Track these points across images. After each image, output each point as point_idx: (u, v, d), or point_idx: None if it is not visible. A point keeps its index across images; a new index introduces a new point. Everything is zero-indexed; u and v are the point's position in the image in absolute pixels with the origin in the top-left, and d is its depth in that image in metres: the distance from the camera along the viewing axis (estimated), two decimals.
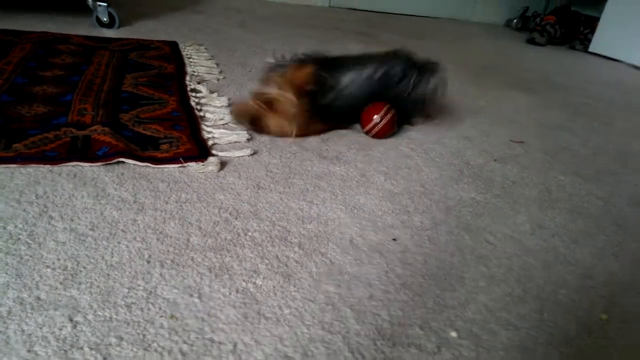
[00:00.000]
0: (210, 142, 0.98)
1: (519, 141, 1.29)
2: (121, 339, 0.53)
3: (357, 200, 0.88)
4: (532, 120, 1.49)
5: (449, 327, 0.61)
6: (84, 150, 0.87)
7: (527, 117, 1.52)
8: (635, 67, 2.60)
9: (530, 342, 0.61)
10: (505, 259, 0.77)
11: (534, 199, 0.98)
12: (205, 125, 1.06)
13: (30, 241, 0.64)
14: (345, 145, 1.11)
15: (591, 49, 2.86)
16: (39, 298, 0.56)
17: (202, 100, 1.19)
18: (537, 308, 0.67)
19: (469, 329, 0.61)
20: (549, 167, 1.16)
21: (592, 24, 2.92)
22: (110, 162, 0.84)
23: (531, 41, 2.94)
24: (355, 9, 3.13)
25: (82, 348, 0.51)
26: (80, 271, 0.61)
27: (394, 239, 0.78)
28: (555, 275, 0.75)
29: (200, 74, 1.38)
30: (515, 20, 3.42)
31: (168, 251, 0.67)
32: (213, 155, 0.93)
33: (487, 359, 0.57)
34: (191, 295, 0.60)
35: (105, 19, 1.72)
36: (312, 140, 1.10)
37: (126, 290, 0.59)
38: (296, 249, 0.72)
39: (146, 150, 0.90)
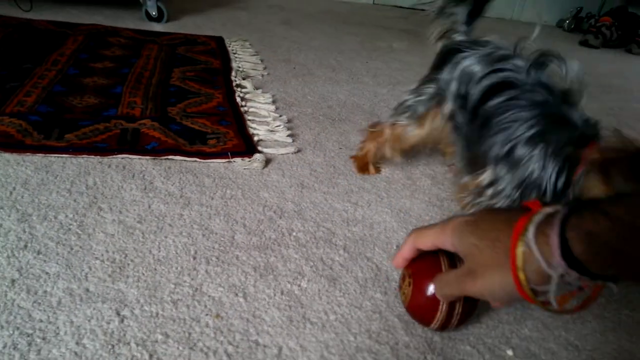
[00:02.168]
0: (255, 139, 0.97)
1: None
2: (167, 336, 0.52)
3: (404, 203, 0.85)
4: None
5: (504, 344, 0.58)
6: (133, 143, 0.87)
7: None
8: None
9: None
10: None
11: None
12: (250, 121, 1.05)
13: (80, 232, 0.65)
14: None
15: None
16: (87, 290, 0.56)
17: (247, 96, 1.18)
18: (599, 328, 0.63)
19: (525, 347, 0.58)
20: None
21: None
22: (159, 157, 0.85)
23: (584, 43, 2.81)
24: (399, 7, 3.07)
25: (129, 343, 0.50)
26: (128, 264, 0.61)
27: None
28: (617, 293, 0.70)
29: (245, 70, 1.38)
30: (567, 21, 3.27)
31: (213, 248, 0.66)
32: (259, 152, 0.92)
33: None
34: (236, 295, 0.59)
35: (154, 13, 1.75)
36: (356, 140, 1.07)
37: (172, 286, 0.59)
38: (341, 251, 0.70)
39: (194, 144, 0.90)
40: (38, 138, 0.85)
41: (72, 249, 0.62)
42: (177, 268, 0.61)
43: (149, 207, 0.72)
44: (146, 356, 0.49)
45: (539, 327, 0.61)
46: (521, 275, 0.38)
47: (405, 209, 0.84)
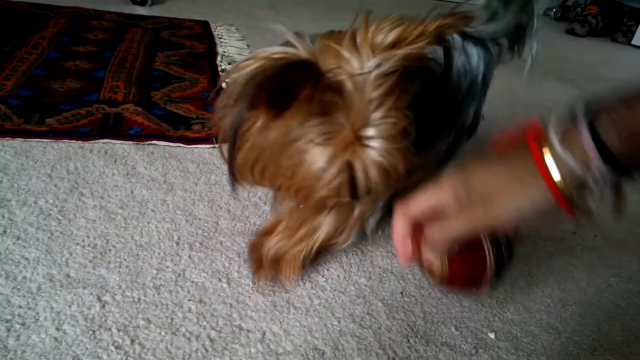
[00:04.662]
0: None
1: None
2: (149, 321, 0.52)
3: None
4: None
5: (486, 327, 0.58)
6: (116, 128, 0.86)
7: None
8: None
9: (572, 347, 0.58)
10: (545, 258, 0.73)
11: None
12: None
13: (60, 217, 0.64)
14: None
15: (635, 41, 2.73)
16: (68, 275, 0.55)
17: None
18: (579, 312, 0.64)
19: (507, 330, 0.58)
20: None
21: (636, 15, 2.79)
22: (142, 142, 0.83)
23: (571, 32, 2.82)
24: None
25: (110, 329, 0.50)
26: (110, 250, 0.60)
27: None
28: (598, 278, 0.71)
29: (231, 55, 1.36)
30: (554, 10, 3.28)
31: (197, 233, 0.66)
32: None
33: None
34: (220, 280, 0.59)
35: None
36: None
37: (155, 272, 0.58)
38: None
39: (178, 129, 0.89)
40: (18, 122, 0.83)
41: (52, 234, 0.61)
42: (159, 254, 0.61)
43: (132, 192, 0.71)
44: (128, 341, 0.49)
45: (520, 310, 0.62)
46: (559, 183, 0.34)
47: None
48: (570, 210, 0.35)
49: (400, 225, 0.45)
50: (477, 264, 0.45)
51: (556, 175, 0.34)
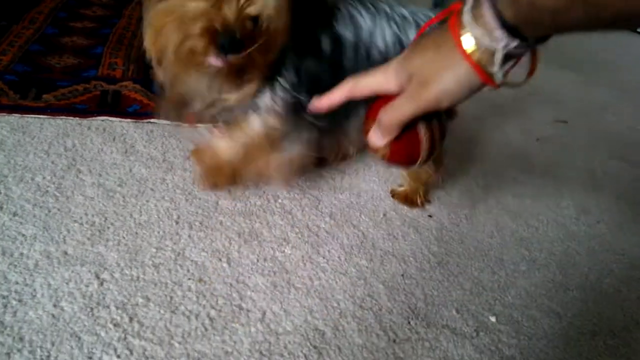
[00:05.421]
0: None
1: (563, 121, 1.22)
2: (148, 299, 0.51)
3: (392, 172, 0.84)
4: (577, 100, 1.41)
5: (487, 310, 0.58)
6: (114, 105, 0.84)
7: (572, 95, 1.44)
8: None
9: (573, 331, 0.58)
10: (547, 243, 0.73)
11: (578, 182, 0.93)
12: None
13: (58, 194, 0.63)
14: None
15: None
16: (66, 253, 0.55)
17: None
18: (580, 297, 0.63)
19: (508, 314, 0.58)
20: (594, 149, 1.09)
21: None
22: (141, 120, 0.82)
23: None
24: None
25: (108, 306, 0.49)
26: (108, 227, 0.59)
27: (430, 216, 0.74)
28: (600, 263, 0.71)
29: None
30: None
31: (197, 213, 0.65)
32: None
33: (529, 347, 0.54)
34: (220, 260, 0.58)
35: None
36: None
37: (154, 250, 0.57)
38: (327, 218, 0.69)
39: None
40: (14, 98, 0.81)
41: (49, 211, 0.60)
42: (159, 232, 0.60)
43: (130, 170, 0.70)
44: (126, 319, 0.48)
45: (522, 294, 0.62)
46: (475, 56, 0.38)
47: (394, 178, 0.83)
48: (488, 79, 0.39)
49: (337, 95, 0.48)
50: (413, 144, 0.49)
51: (470, 48, 0.38)
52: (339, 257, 0.63)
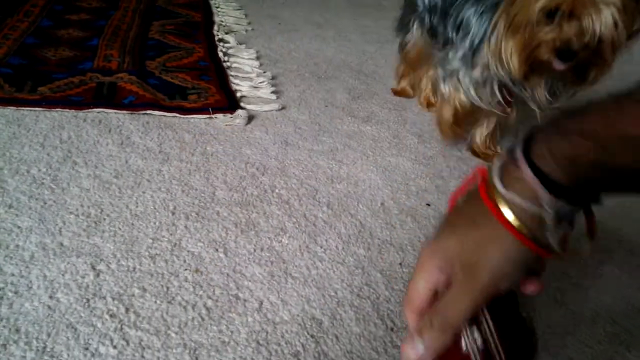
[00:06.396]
0: (238, 95, 0.94)
1: None
2: (144, 290, 0.51)
3: (389, 162, 0.84)
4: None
5: None
6: (110, 97, 0.84)
7: None
8: None
9: (572, 318, 0.57)
10: None
11: None
12: (233, 76, 1.01)
13: (54, 186, 0.63)
14: (378, 104, 1.05)
15: None
16: (61, 244, 0.54)
17: (230, 51, 1.14)
18: (580, 283, 0.63)
19: None
20: None
21: None
22: (137, 112, 0.82)
23: None
24: None
25: (104, 297, 0.49)
26: (104, 219, 0.59)
27: (428, 204, 0.74)
28: (599, 249, 0.70)
29: (228, 24, 1.33)
30: None
31: (193, 204, 0.64)
32: (241, 108, 0.89)
33: None
34: (216, 250, 0.58)
35: None
36: (342, 98, 1.05)
37: (150, 241, 0.57)
38: (324, 208, 0.69)
39: (174, 99, 0.87)
40: (9, 90, 0.81)
41: (45, 203, 0.60)
42: (155, 223, 0.60)
43: (126, 162, 0.70)
44: (122, 310, 0.48)
45: None
46: (519, 226, 0.32)
47: (392, 167, 0.82)
48: (541, 250, 0.33)
49: (413, 321, 0.39)
50: None
51: (511, 219, 0.32)
52: (336, 247, 0.62)
